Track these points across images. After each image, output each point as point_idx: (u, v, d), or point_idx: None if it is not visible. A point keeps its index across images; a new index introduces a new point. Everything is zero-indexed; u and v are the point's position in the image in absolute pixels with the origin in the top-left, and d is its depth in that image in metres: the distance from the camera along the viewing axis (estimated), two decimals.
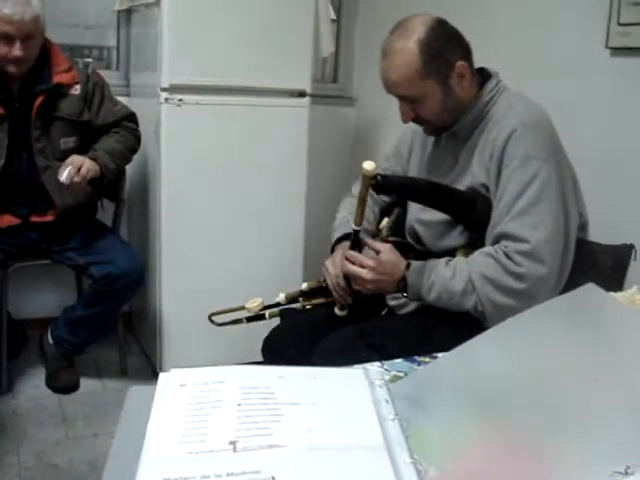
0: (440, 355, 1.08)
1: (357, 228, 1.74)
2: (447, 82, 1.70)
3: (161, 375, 0.93)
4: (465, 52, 1.73)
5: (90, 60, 3.50)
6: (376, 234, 1.91)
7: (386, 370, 1.04)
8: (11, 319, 2.90)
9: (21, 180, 2.65)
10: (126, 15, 3.34)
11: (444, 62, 1.69)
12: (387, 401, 0.87)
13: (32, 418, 2.64)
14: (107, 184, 2.80)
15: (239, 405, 0.83)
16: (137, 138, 2.85)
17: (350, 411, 0.84)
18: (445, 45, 1.69)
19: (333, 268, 1.82)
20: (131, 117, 2.85)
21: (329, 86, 3.80)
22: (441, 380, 0.94)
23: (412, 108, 1.74)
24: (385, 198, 2.05)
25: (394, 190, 1.80)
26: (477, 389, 0.89)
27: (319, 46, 3.14)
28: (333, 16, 3.22)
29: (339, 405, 0.86)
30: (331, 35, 3.28)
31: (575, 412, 0.83)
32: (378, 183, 1.65)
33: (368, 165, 1.62)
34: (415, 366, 1.08)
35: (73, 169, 2.50)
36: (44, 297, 3.27)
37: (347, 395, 0.88)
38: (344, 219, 1.99)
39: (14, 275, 2.78)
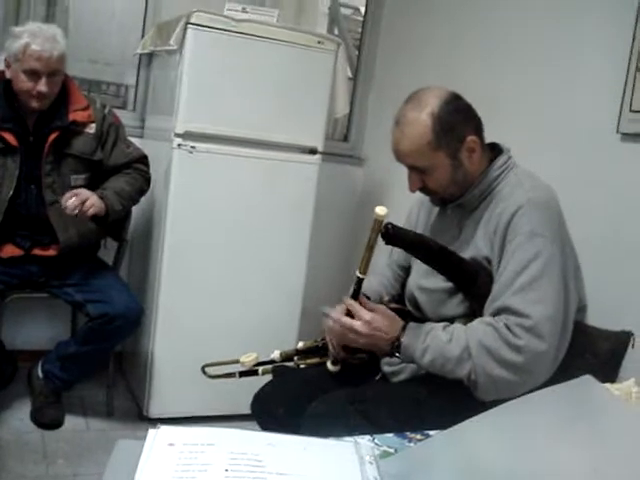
0: (432, 433, 1.08)
1: (361, 276, 1.71)
2: (457, 156, 1.72)
3: (150, 431, 0.92)
4: (476, 127, 1.76)
5: (105, 96, 3.57)
6: (379, 301, 1.91)
7: (377, 445, 1.03)
8: (3, 349, 2.88)
9: (27, 212, 2.66)
10: (147, 58, 3.40)
11: (455, 136, 1.71)
12: (376, 479, 0.87)
13: (13, 452, 2.60)
14: (112, 223, 2.81)
15: (226, 471, 0.83)
16: (147, 180, 2.87)
17: None
18: (457, 119, 1.71)
19: (335, 313, 1.80)
20: (143, 159, 2.87)
21: (340, 145, 3.83)
22: (432, 461, 0.93)
23: (420, 178, 1.76)
24: (402, 273, 2.05)
25: (402, 242, 1.78)
26: (469, 473, 0.89)
27: (334, 105, 3.18)
28: (350, 74, 3.26)
29: (327, 479, 0.85)
30: (347, 96, 3.32)
31: None
32: (388, 232, 1.64)
33: (380, 210, 1.60)
34: (406, 442, 1.07)
35: (77, 201, 2.51)
36: (37, 329, 3.25)
37: (336, 469, 0.88)
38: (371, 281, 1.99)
39: (10, 305, 2.77)
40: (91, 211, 2.55)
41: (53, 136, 2.63)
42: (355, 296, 1.75)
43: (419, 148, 1.70)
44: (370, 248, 1.66)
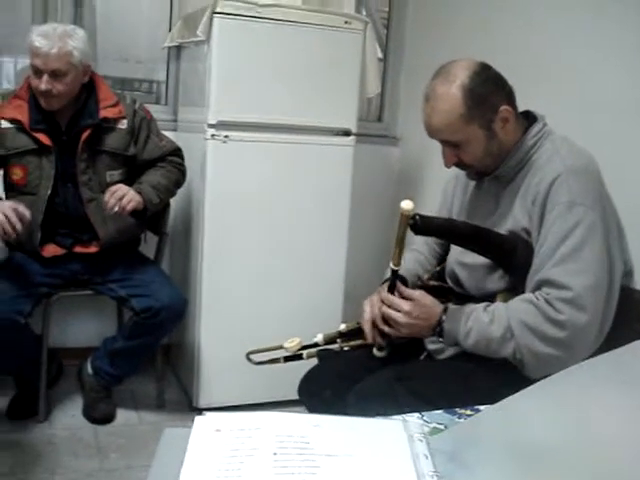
0: (482, 408, 1.05)
1: (395, 268, 1.70)
2: (491, 127, 1.69)
3: (196, 419, 0.91)
4: (508, 96, 1.72)
5: (138, 93, 3.58)
6: (418, 277, 1.89)
7: (425, 422, 1.02)
8: (47, 348, 2.92)
9: (66, 211, 2.69)
10: (176, 51, 3.40)
11: (488, 107, 1.67)
12: (426, 456, 0.85)
13: (67, 448, 2.64)
14: (151, 217, 2.82)
15: (274, 454, 0.82)
16: (182, 173, 2.87)
17: (388, 465, 0.82)
18: (489, 90, 1.68)
19: (369, 308, 1.79)
20: (177, 152, 2.88)
21: (374, 125, 3.81)
22: (483, 436, 0.91)
23: (455, 153, 1.73)
24: (438, 249, 2.03)
25: (432, 231, 1.77)
26: (520, 447, 0.86)
27: (365, 86, 3.15)
28: (380, 55, 3.22)
29: (376, 458, 0.83)
30: (378, 75, 3.29)
31: (624, 477, 0.79)
32: (417, 223, 1.62)
33: (406, 205, 1.59)
34: (456, 418, 1.06)
35: (114, 200, 2.53)
36: (84, 327, 3.29)
37: (385, 448, 0.86)
38: (406, 264, 1.97)
39: (55, 304, 2.81)
40: (130, 206, 2.57)
41: (86, 134, 2.64)
42: (392, 288, 1.74)
43: (452, 122, 1.67)
44: (400, 242, 1.66)
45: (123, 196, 2.55)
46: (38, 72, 2.53)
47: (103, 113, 2.68)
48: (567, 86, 2.49)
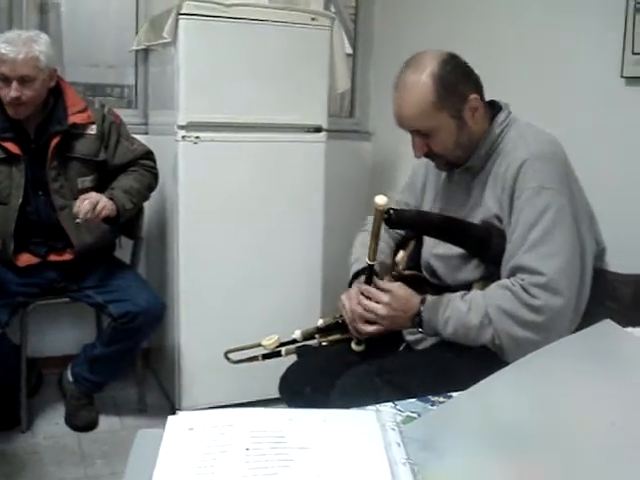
0: (454, 395, 1.06)
1: (371, 263, 1.72)
2: (461, 116, 1.70)
3: (170, 418, 0.92)
4: (476, 85, 1.73)
5: (110, 99, 3.56)
6: (392, 268, 1.89)
7: (399, 411, 1.02)
8: (27, 358, 2.90)
9: (38, 219, 2.67)
10: (144, 54, 3.39)
11: (458, 96, 1.68)
12: (398, 444, 0.86)
13: (51, 457, 2.63)
14: (125, 222, 2.81)
15: (247, 450, 0.82)
16: (155, 176, 2.86)
17: (360, 455, 0.82)
18: (458, 78, 1.69)
19: (348, 302, 1.80)
20: (149, 155, 2.86)
21: (345, 121, 3.81)
22: (454, 421, 0.92)
23: (425, 143, 1.73)
24: (400, 232, 2.04)
25: (407, 225, 1.79)
26: (491, 431, 0.87)
27: (335, 81, 3.16)
28: (349, 50, 3.23)
29: (349, 449, 0.84)
30: (347, 70, 3.29)
31: (591, 456, 0.80)
32: (391, 218, 1.63)
33: (380, 200, 1.60)
34: (429, 406, 1.06)
35: (88, 205, 2.51)
36: (63, 335, 3.27)
37: (358, 438, 0.87)
38: (360, 254, 1.98)
39: (33, 313, 2.79)
40: (103, 214, 2.55)
41: (55, 141, 2.62)
42: (368, 282, 1.75)
43: (423, 110, 1.67)
44: (375, 236, 1.67)
45: (96, 204, 2.53)
46: (6, 80, 2.51)
47: (72, 119, 2.66)
48: (534, 72, 2.51)
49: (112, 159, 2.78)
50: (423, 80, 1.66)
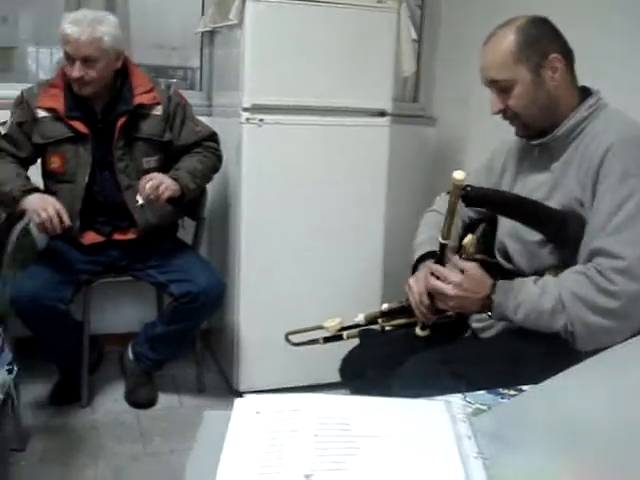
0: (526, 388, 1.03)
1: (444, 242, 1.67)
2: (539, 72, 1.67)
3: (237, 401, 0.91)
4: (564, 50, 1.70)
5: (173, 81, 3.58)
6: (459, 251, 1.86)
7: (468, 402, 1.00)
8: (89, 335, 2.95)
9: (104, 198, 2.71)
10: (209, 36, 3.39)
11: (538, 50, 1.66)
12: (469, 437, 0.84)
13: (110, 432, 2.67)
14: (188, 203, 2.83)
15: (315, 436, 0.81)
16: (219, 157, 2.87)
17: (430, 447, 0.81)
18: (543, 35, 1.68)
19: (416, 285, 1.77)
20: (213, 137, 2.87)
21: (409, 105, 3.76)
22: (527, 416, 0.89)
23: (502, 98, 1.71)
24: (470, 213, 2.00)
25: (484, 203, 1.74)
26: (566, 427, 0.84)
27: (400, 65, 3.11)
28: (415, 36, 3.18)
29: (419, 440, 0.82)
30: (412, 55, 3.24)
31: None
32: (468, 194, 1.59)
33: (459, 175, 1.55)
34: (499, 399, 1.04)
35: (150, 189, 2.53)
36: (125, 313, 3.32)
37: (427, 429, 0.85)
38: (426, 236, 1.95)
39: (95, 291, 2.84)
40: (166, 194, 2.57)
41: (121, 121, 2.65)
42: (441, 261, 1.71)
43: (501, 59, 1.67)
44: (451, 213, 1.62)
45: (159, 185, 2.56)
46: (70, 59, 2.55)
47: (138, 99, 2.69)
48: (623, 61, 2.40)
49: (177, 140, 2.80)
50: (508, 32, 1.68)
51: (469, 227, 1.99)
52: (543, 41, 1.67)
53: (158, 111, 2.75)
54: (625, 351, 0.94)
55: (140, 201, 2.54)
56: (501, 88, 1.70)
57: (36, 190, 2.57)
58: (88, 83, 2.58)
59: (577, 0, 2.59)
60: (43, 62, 3.51)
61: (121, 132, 2.67)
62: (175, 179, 2.63)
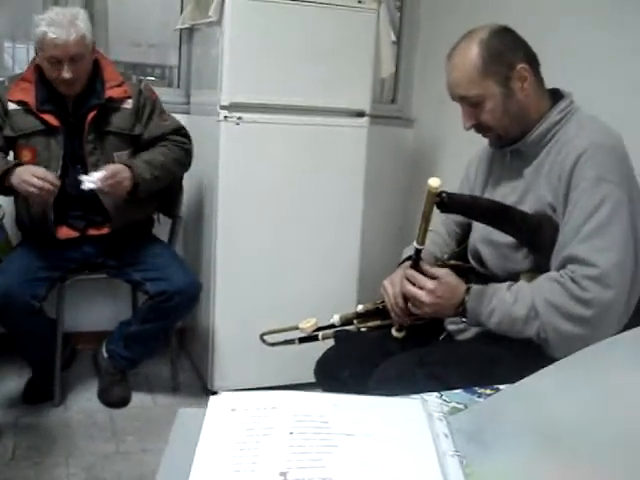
0: (502, 387, 1.03)
1: (419, 247, 1.67)
2: (508, 85, 1.67)
3: (212, 398, 0.90)
4: (529, 57, 1.70)
5: (152, 78, 3.56)
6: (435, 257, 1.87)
7: (445, 401, 1.00)
8: (62, 332, 2.92)
9: (77, 192, 2.68)
10: (188, 34, 3.38)
11: (504, 62, 1.66)
12: (446, 435, 0.83)
13: (82, 431, 2.65)
14: (164, 200, 2.81)
15: (291, 434, 0.80)
16: (186, 151, 2.83)
17: (407, 445, 0.80)
18: (506, 46, 1.68)
19: (392, 287, 1.77)
20: (180, 130, 2.84)
21: (388, 107, 3.77)
22: (504, 414, 0.89)
23: (473, 112, 1.71)
24: (457, 229, 2.01)
25: (459, 209, 1.75)
26: (542, 426, 0.84)
27: (379, 67, 3.12)
28: (394, 38, 3.19)
29: (396, 438, 0.81)
30: (391, 56, 3.25)
31: None
32: (443, 201, 1.59)
33: (433, 182, 1.56)
34: (475, 398, 1.04)
35: (101, 181, 2.50)
36: (99, 311, 3.29)
37: (404, 427, 0.84)
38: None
39: (69, 288, 2.81)
40: (120, 190, 2.56)
41: (91, 114, 2.64)
42: (415, 266, 1.71)
43: (468, 75, 1.67)
44: (426, 219, 1.62)
45: (111, 176, 2.53)
46: (56, 62, 2.53)
47: (109, 93, 2.68)
48: (592, 63, 2.42)
49: (144, 133, 2.78)
50: (471, 48, 1.67)
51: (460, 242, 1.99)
52: (507, 52, 1.67)
53: (128, 105, 2.74)
54: (599, 351, 0.94)
55: (85, 185, 2.49)
56: (471, 104, 1.70)
57: (17, 165, 2.53)
58: (77, 81, 2.59)
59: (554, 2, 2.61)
60: (19, 57, 3.47)
61: (91, 126, 2.65)
62: (129, 166, 2.61)
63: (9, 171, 2.47)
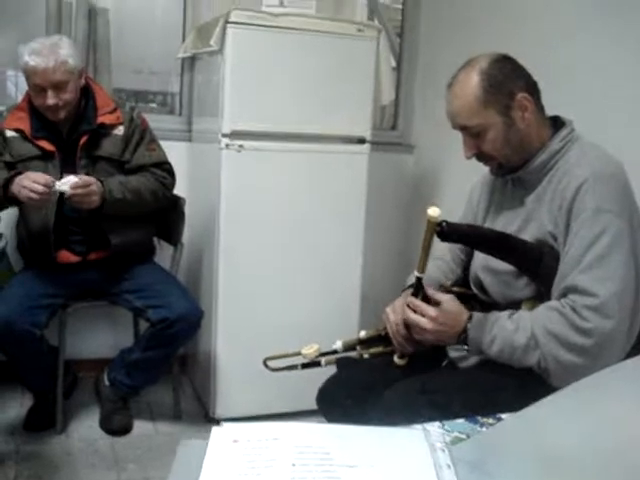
0: (504, 416, 1.03)
1: (420, 275, 1.68)
2: (509, 114, 1.68)
3: (214, 429, 0.90)
4: (529, 86, 1.71)
5: (152, 105, 3.58)
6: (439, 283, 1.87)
7: (447, 431, 1.00)
8: (63, 359, 2.92)
9: (77, 215, 2.69)
10: (190, 62, 3.40)
11: (505, 91, 1.67)
12: (449, 466, 0.83)
13: (84, 459, 2.64)
14: (165, 227, 2.81)
15: (293, 465, 0.80)
16: (163, 185, 2.83)
17: (410, 476, 0.80)
18: (506, 76, 1.69)
19: (394, 315, 1.77)
20: (162, 165, 2.85)
21: (388, 133, 3.79)
22: (506, 445, 0.89)
23: (475, 142, 1.72)
24: (462, 255, 2.01)
25: (459, 238, 1.75)
26: (545, 455, 0.84)
27: (379, 93, 3.14)
28: (393, 64, 3.22)
29: (398, 469, 0.81)
30: (391, 83, 3.28)
31: None
32: (443, 230, 1.60)
33: (433, 211, 1.57)
34: (478, 427, 1.04)
35: (71, 188, 2.48)
36: (101, 338, 3.29)
37: (407, 458, 0.84)
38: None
39: (71, 315, 2.81)
40: (80, 190, 2.52)
41: (83, 140, 2.68)
42: (415, 295, 1.72)
43: (469, 105, 1.68)
44: (426, 249, 1.64)
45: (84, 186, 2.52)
46: (39, 89, 2.56)
47: (101, 119, 2.72)
48: (590, 90, 2.43)
49: (130, 160, 2.80)
50: (471, 76, 1.68)
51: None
52: (508, 81, 1.68)
53: (120, 131, 2.76)
54: (600, 380, 0.94)
55: (57, 187, 2.47)
56: (473, 133, 1.71)
57: (18, 174, 2.53)
58: (63, 107, 2.61)
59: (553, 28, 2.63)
60: (22, 86, 3.50)
61: (83, 151, 2.69)
62: (101, 181, 2.61)
63: (11, 180, 2.50)
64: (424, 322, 1.67)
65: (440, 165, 3.45)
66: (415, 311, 1.70)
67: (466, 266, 1.98)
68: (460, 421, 1.05)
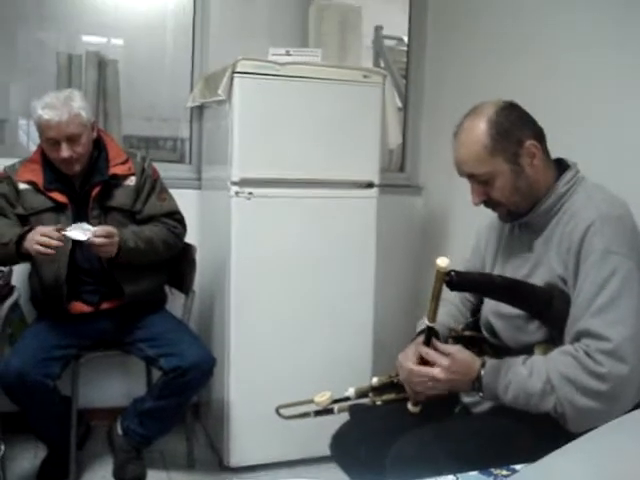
0: (519, 467, 1.03)
1: (430, 324, 1.69)
2: (517, 161, 1.69)
3: None
4: (536, 133, 1.73)
5: (163, 151, 3.62)
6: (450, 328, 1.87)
7: None
8: (76, 409, 2.91)
9: (89, 265, 2.71)
10: (198, 110, 3.45)
11: (513, 140, 1.68)
12: None
13: None
14: (177, 275, 2.82)
15: None
16: (175, 234, 2.85)
17: None
18: (514, 124, 1.70)
19: (406, 362, 1.77)
20: (174, 215, 2.87)
21: (396, 175, 3.81)
22: None
23: (483, 189, 1.73)
24: (471, 298, 2.01)
25: (468, 287, 1.76)
26: None
27: (386, 137, 3.17)
28: (400, 105, 3.24)
29: None
30: (398, 125, 3.30)
31: None
32: (452, 280, 1.61)
33: (442, 262, 1.58)
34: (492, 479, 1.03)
35: (98, 236, 2.51)
36: (113, 387, 3.29)
37: None
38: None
39: (84, 364, 2.81)
40: (100, 250, 2.56)
41: (95, 191, 2.70)
42: (427, 344, 1.72)
43: (476, 154, 1.69)
44: (436, 298, 1.65)
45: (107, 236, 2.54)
46: (54, 142, 2.60)
47: (113, 170, 2.75)
48: (596, 131, 2.43)
49: (142, 210, 2.82)
50: (478, 125, 1.69)
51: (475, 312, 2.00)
52: (515, 129, 1.69)
53: (131, 182, 2.79)
54: (615, 429, 0.94)
55: (67, 233, 2.49)
56: (481, 181, 1.72)
57: (30, 230, 2.55)
58: (77, 160, 2.64)
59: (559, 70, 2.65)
60: (34, 135, 3.56)
61: (95, 202, 2.71)
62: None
63: (23, 236, 2.52)
64: (436, 372, 1.67)
65: (449, 205, 3.46)
66: (427, 361, 1.69)
67: (475, 309, 1.99)
68: (474, 473, 1.04)
